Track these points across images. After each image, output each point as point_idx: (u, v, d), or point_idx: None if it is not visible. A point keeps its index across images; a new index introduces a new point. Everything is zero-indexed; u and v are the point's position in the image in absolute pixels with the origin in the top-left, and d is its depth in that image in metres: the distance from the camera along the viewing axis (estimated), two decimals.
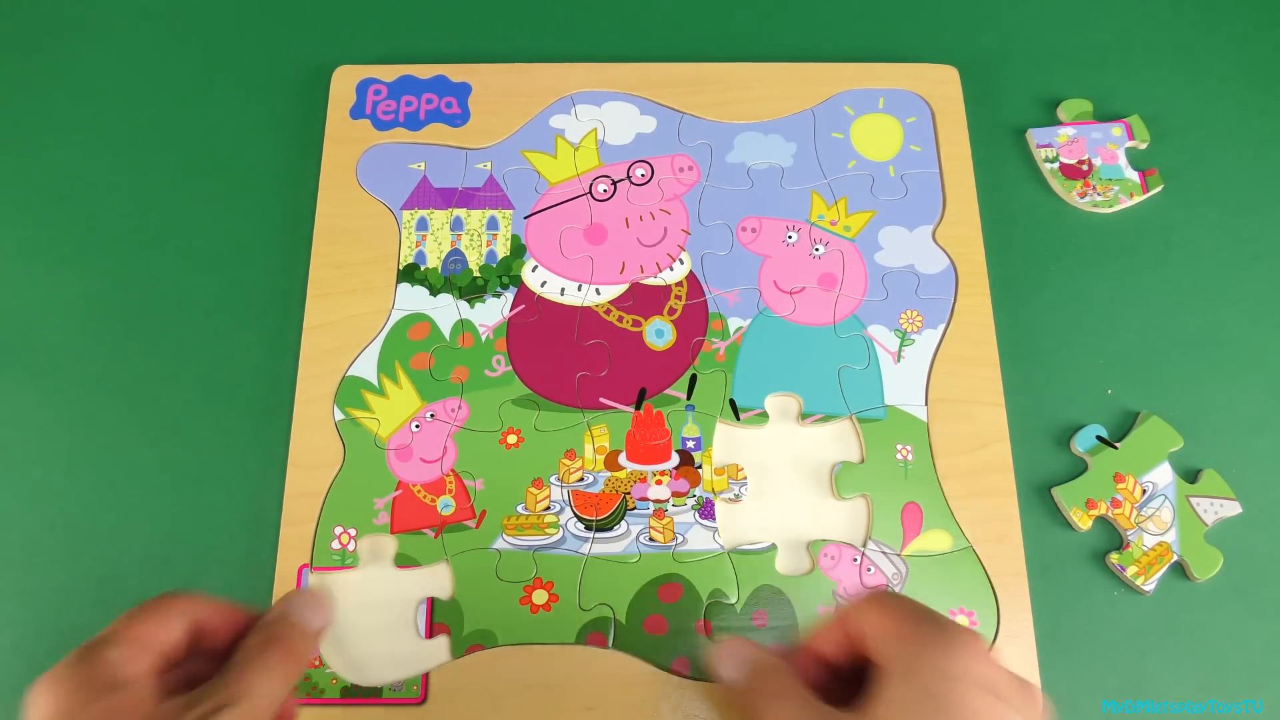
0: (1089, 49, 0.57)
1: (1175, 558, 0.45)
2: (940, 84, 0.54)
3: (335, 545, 0.45)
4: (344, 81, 0.54)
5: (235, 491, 0.47)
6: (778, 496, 0.46)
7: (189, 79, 0.56)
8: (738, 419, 0.47)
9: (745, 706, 0.32)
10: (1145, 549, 0.45)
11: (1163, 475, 0.47)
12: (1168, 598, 0.45)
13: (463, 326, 0.49)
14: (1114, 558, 0.45)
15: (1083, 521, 0.46)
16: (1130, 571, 0.45)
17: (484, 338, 0.49)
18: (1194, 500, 0.46)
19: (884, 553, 0.45)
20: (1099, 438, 0.47)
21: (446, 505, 0.45)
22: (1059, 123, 0.55)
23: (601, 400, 0.47)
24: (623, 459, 0.46)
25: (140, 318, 0.50)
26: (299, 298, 0.49)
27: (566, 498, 0.45)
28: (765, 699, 0.31)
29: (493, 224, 0.51)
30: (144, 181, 0.53)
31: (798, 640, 0.34)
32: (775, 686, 0.32)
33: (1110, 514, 0.46)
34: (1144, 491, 0.46)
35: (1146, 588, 0.45)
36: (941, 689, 0.29)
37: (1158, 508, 0.46)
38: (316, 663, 0.43)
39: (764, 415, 0.47)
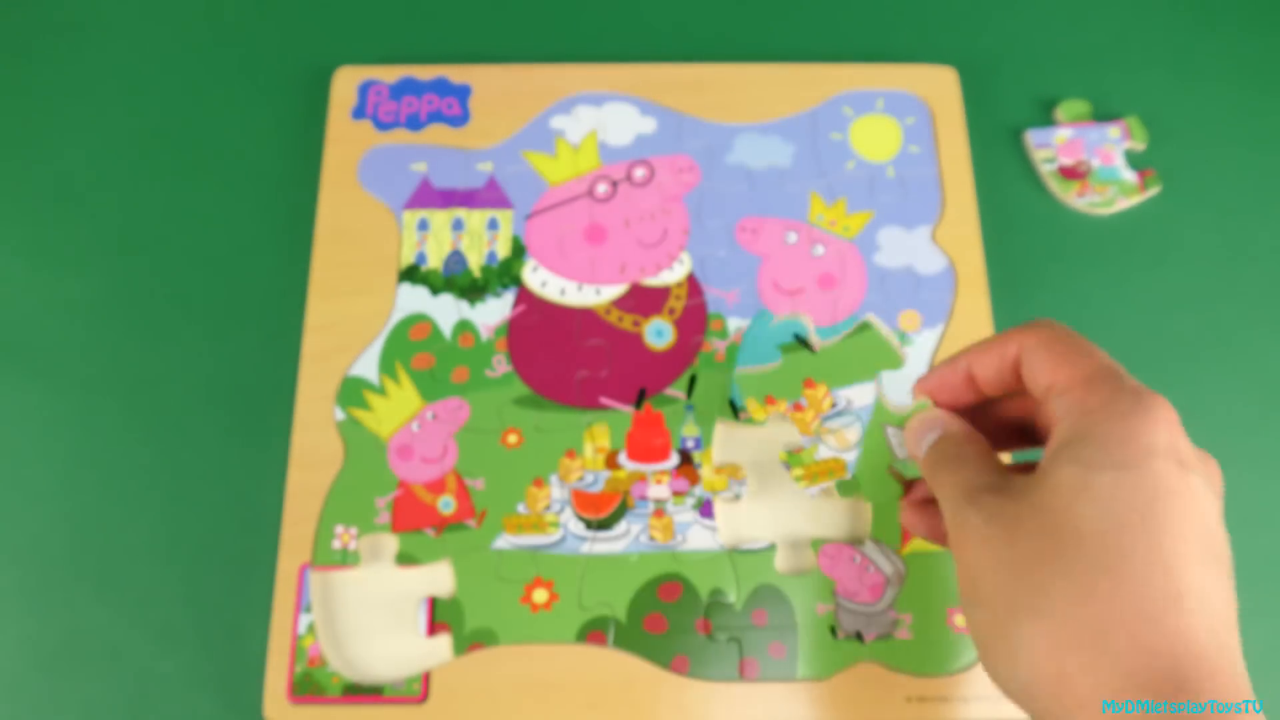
0: (1087, 50, 0.57)
1: (847, 476, 0.41)
2: (939, 85, 0.54)
3: (336, 544, 0.45)
4: (345, 82, 0.54)
5: (236, 491, 0.47)
6: (777, 496, 0.46)
7: (190, 80, 0.56)
8: (737, 418, 0.47)
9: (928, 479, 0.33)
10: (817, 458, 0.41)
11: (862, 395, 0.40)
12: None
13: (463, 327, 0.49)
14: (783, 455, 0.41)
15: (757, 414, 0.41)
16: (795, 473, 0.41)
17: (484, 338, 0.49)
18: (890, 431, 0.38)
19: (883, 552, 0.45)
20: (796, 335, 0.42)
21: (447, 504, 0.46)
22: (1056, 124, 0.55)
23: (601, 400, 0.47)
24: (623, 458, 0.46)
25: (141, 318, 0.50)
26: (300, 298, 0.49)
27: (567, 497, 0.46)
28: (938, 467, 0.32)
29: (493, 225, 0.51)
30: (145, 182, 0.53)
31: (958, 354, 0.34)
32: (944, 450, 0.33)
33: (790, 415, 0.41)
34: (834, 405, 0.40)
35: (808, 492, 0.41)
36: (1128, 459, 0.27)
37: (845, 425, 0.41)
38: (318, 661, 0.43)
39: None
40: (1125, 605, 0.26)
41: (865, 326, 0.41)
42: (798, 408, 0.41)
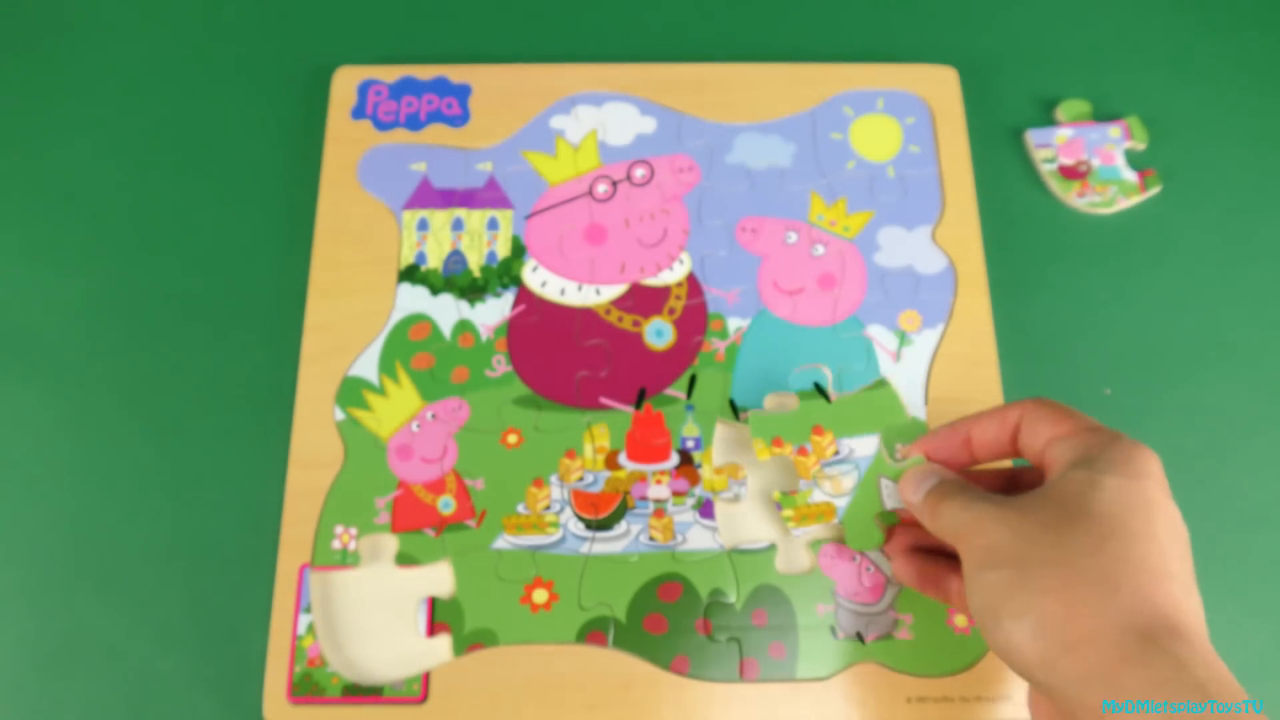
0: (1087, 49, 0.57)
1: (835, 520, 0.43)
2: (939, 84, 0.54)
3: (336, 544, 0.45)
4: (345, 82, 0.54)
5: (236, 491, 0.47)
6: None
7: (190, 79, 0.56)
8: (737, 418, 0.47)
9: (925, 518, 0.37)
10: (810, 501, 0.43)
11: (864, 446, 0.43)
12: None
13: (463, 327, 0.49)
14: (777, 495, 0.44)
15: (762, 455, 0.43)
16: (785, 514, 0.43)
17: (484, 338, 0.49)
18: (884, 481, 0.42)
19: (883, 552, 0.45)
20: (816, 384, 0.46)
21: (447, 505, 0.46)
22: (1057, 123, 0.55)
23: (601, 400, 0.47)
24: (623, 459, 0.46)
25: (141, 318, 0.50)
26: (300, 298, 0.49)
27: (566, 497, 0.46)
28: (938, 504, 0.37)
29: (493, 224, 0.51)
30: (145, 182, 0.53)
31: (958, 420, 0.39)
32: (945, 490, 0.37)
33: (794, 458, 0.43)
34: (836, 453, 0.43)
35: (796, 533, 0.44)
36: (1129, 474, 0.32)
37: (842, 472, 0.43)
38: (317, 662, 0.43)
39: None
40: (1130, 564, 0.31)
41: (882, 383, 0.43)
42: (802, 451, 0.43)
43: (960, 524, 0.35)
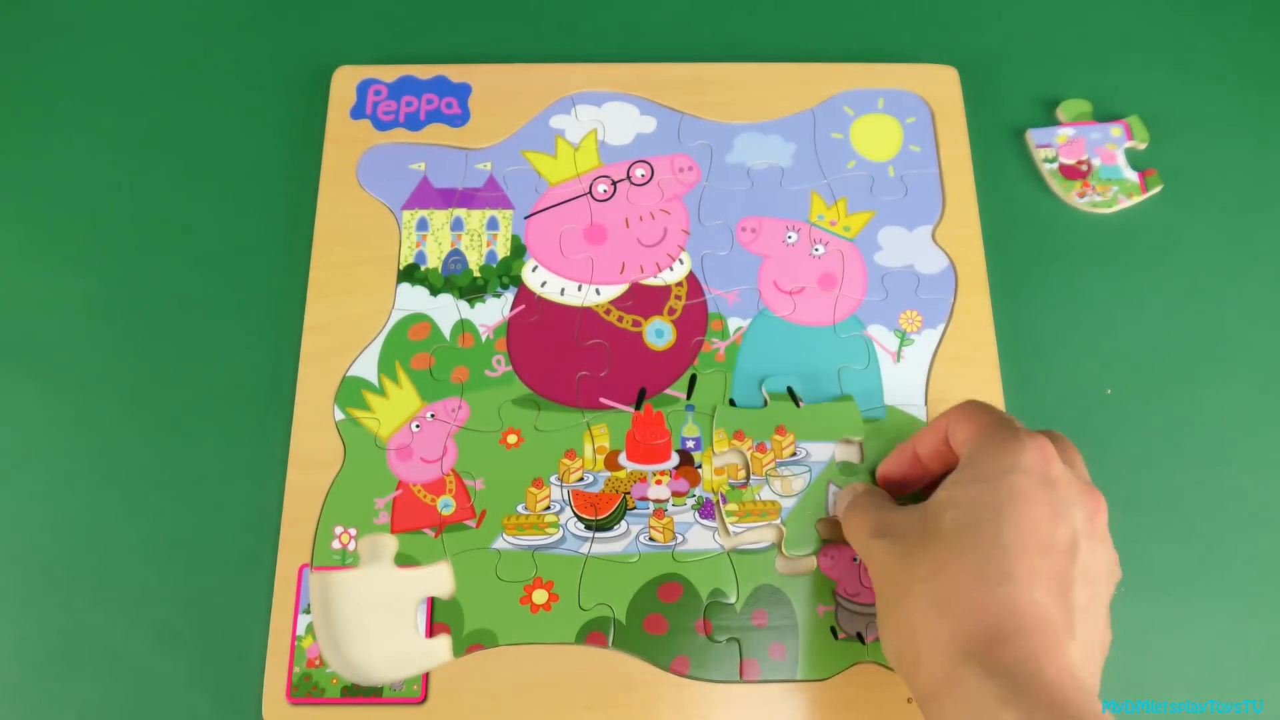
0: (1088, 49, 0.57)
1: (778, 520, 0.45)
2: (940, 84, 0.54)
3: (335, 545, 0.45)
4: (344, 82, 0.54)
5: (235, 491, 0.47)
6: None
7: (189, 79, 0.56)
8: None
9: (845, 526, 0.41)
10: (756, 498, 0.45)
11: (820, 452, 0.46)
12: None
13: (463, 326, 0.49)
14: (726, 488, 0.45)
15: (720, 445, 0.46)
16: (729, 508, 0.45)
17: (484, 338, 0.49)
18: (832, 487, 0.45)
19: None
20: (789, 388, 0.47)
21: (447, 505, 0.45)
22: (1058, 123, 0.55)
23: (601, 400, 0.47)
24: (623, 459, 0.46)
25: (141, 318, 0.50)
26: (299, 298, 0.49)
27: (566, 497, 0.46)
28: (849, 513, 0.41)
29: (493, 224, 0.51)
30: (144, 181, 0.53)
31: (904, 442, 0.42)
32: (855, 501, 0.41)
33: (750, 454, 0.45)
34: (794, 454, 0.45)
35: (733, 529, 0.45)
36: (992, 474, 0.34)
37: (794, 474, 0.45)
38: (317, 662, 0.43)
39: None
40: (964, 581, 0.33)
41: (848, 399, 0.47)
42: (760, 448, 0.45)
43: (860, 552, 0.39)
